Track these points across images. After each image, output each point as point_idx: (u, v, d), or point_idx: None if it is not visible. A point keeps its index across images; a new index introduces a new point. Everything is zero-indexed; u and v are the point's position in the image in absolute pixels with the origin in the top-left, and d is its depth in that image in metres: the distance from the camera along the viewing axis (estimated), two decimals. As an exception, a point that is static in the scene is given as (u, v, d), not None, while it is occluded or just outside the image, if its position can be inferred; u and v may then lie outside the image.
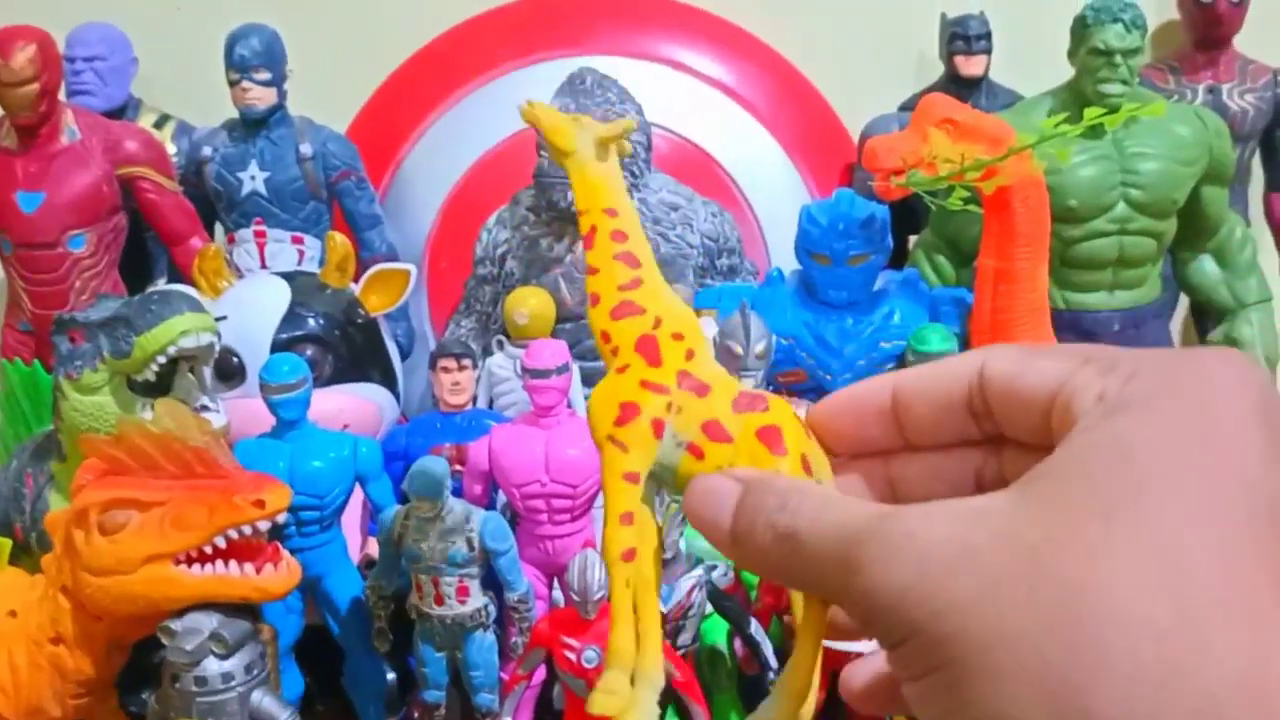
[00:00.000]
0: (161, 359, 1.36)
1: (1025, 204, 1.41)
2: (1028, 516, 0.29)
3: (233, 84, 1.82)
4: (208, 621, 1.24)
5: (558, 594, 1.59)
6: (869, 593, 0.31)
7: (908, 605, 0.30)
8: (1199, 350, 0.33)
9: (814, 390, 1.55)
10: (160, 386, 1.41)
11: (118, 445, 1.25)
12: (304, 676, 1.53)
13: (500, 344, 1.71)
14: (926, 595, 0.30)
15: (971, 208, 1.37)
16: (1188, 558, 0.27)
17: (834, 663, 1.33)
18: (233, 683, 1.24)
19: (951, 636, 0.29)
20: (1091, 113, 1.31)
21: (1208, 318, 1.92)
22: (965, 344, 1.51)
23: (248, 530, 1.22)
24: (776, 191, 1.95)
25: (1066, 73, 1.71)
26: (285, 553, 1.28)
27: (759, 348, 1.44)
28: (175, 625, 1.23)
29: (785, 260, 1.69)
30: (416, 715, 1.62)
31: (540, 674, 1.40)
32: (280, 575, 1.26)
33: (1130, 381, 0.31)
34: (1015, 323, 1.47)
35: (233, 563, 1.24)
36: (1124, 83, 1.59)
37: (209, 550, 1.22)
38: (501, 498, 1.54)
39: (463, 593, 1.37)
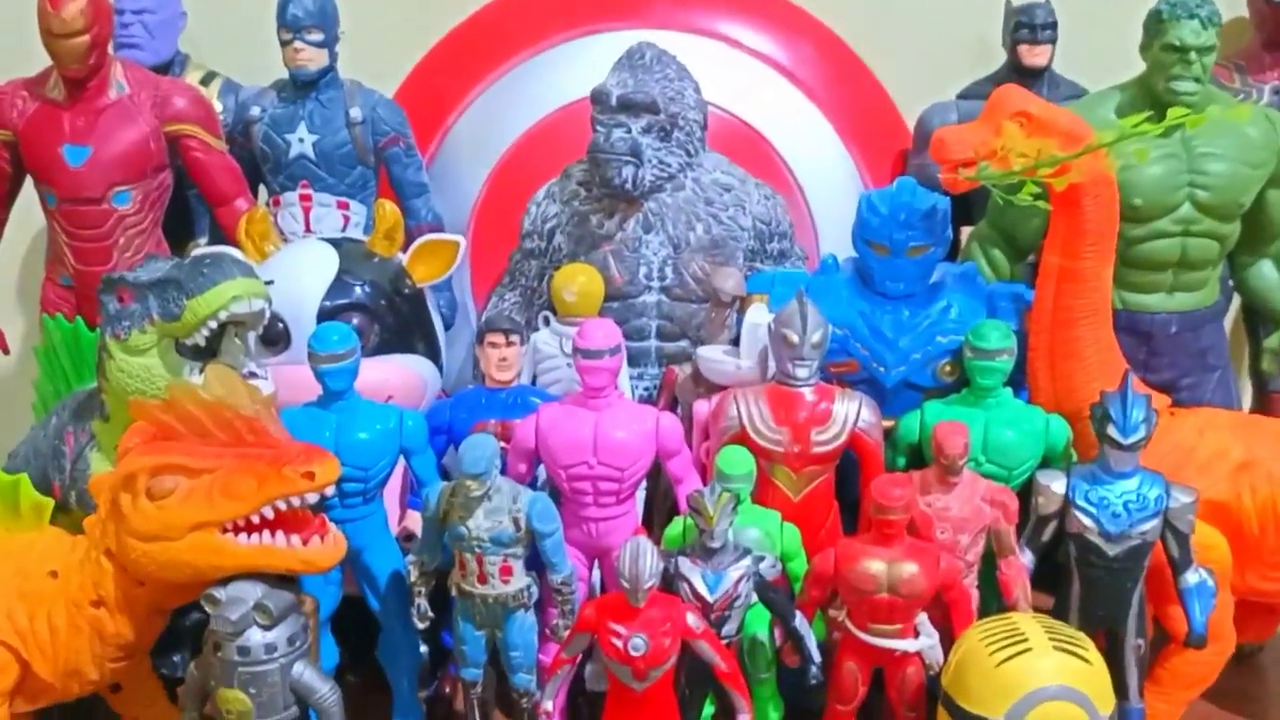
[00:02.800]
0: (212, 324, 1.34)
1: (1096, 202, 1.38)
2: None
3: (284, 44, 1.79)
4: (252, 591, 1.23)
5: (597, 577, 1.58)
6: None
7: None
8: None
9: (866, 381, 1.52)
10: (208, 350, 1.39)
11: (168, 410, 1.24)
12: (338, 647, 1.52)
13: (546, 320, 1.68)
14: None
15: (1041, 204, 1.34)
16: None
17: (877, 660, 1.33)
18: (275, 654, 1.23)
19: None
20: (1176, 112, 1.27)
21: (1262, 321, 1.88)
22: (1024, 341, 1.48)
23: (296, 502, 1.22)
24: (829, 177, 1.91)
25: (1131, 66, 1.67)
26: (332, 526, 1.27)
27: (815, 337, 1.41)
28: (220, 594, 1.22)
29: (835, 247, 1.67)
30: (447, 690, 1.61)
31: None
32: (326, 548, 1.25)
33: None
34: (1076, 322, 1.44)
35: (280, 534, 1.23)
36: (1196, 80, 1.55)
37: (256, 520, 1.22)
38: (541, 475, 1.53)
39: (506, 572, 1.36)
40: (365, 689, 1.60)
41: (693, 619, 1.26)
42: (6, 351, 1.89)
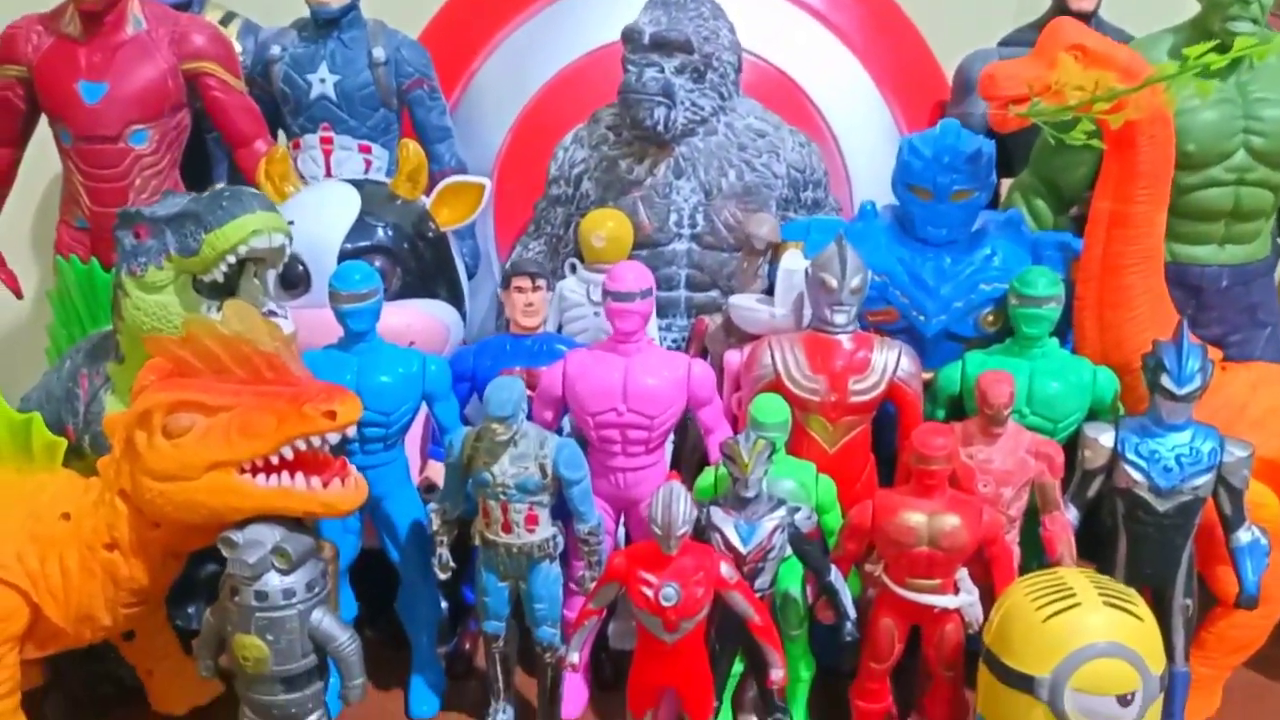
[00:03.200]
0: (231, 259, 1.30)
1: (1152, 142, 1.32)
2: None
3: (306, -20, 1.74)
4: (270, 534, 1.19)
5: (622, 535, 1.54)
6: None
7: None
8: None
9: (904, 331, 1.47)
10: (226, 289, 1.35)
11: (184, 346, 1.19)
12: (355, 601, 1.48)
13: (573, 267, 1.63)
14: None
15: (1095, 142, 1.28)
16: None
17: (914, 617, 1.28)
18: (294, 599, 1.20)
19: None
20: (1244, 42, 1.21)
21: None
22: (1070, 291, 1.42)
23: (317, 442, 1.17)
24: (865, 126, 1.86)
25: (1179, 12, 1.61)
26: (353, 469, 1.23)
27: (854, 282, 1.36)
28: (237, 536, 1.18)
29: (870, 199, 1.61)
30: (467, 647, 1.57)
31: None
32: (348, 491, 1.21)
33: None
34: (1127, 269, 1.38)
35: (299, 475, 1.19)
36: (1254, 22, 1.49)
37: (275, 461, 1.17)
38: (566, 427, 1.48)
39: (531, 521, 1.31)
40: (383, 645, 1.56)
41: (726, 569, 1.21)
42: (20, 295, 1.84)
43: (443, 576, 1.38)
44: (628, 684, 1.27)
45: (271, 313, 1.33)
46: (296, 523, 1.22)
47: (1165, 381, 1.27)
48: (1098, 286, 1.40)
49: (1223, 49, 1.27)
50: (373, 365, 1.37)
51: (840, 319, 1.37)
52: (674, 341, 1.66)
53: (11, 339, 2.17)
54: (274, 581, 1.18)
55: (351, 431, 1.18)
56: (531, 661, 1.43)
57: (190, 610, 1.56)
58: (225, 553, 1.18)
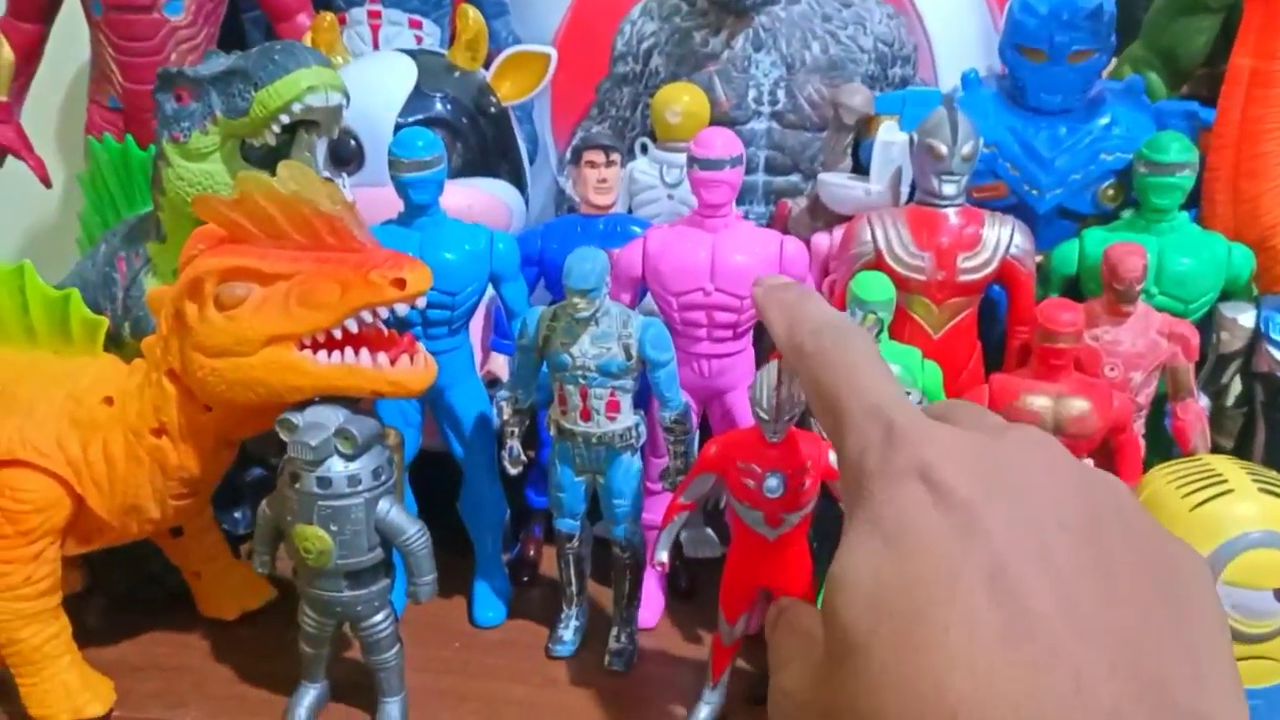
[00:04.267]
0: (284, 118, 1.18)
1: (1305, -20, 1.19)
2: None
3: None
4: (333, 416, 1.08)
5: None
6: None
7: None
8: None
9: (1014, 208, 1.34)
10: (276, 155, 1.23)
11: (237, 207, 1.07)
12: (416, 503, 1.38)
13: (644, 148, 1.51)
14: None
15: None
16: None
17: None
18: (359, 487, 1.09)
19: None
20: None
21: None
22: (1203, 160, 1.29)
23: (384, 313, 1.06)
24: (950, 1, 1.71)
25: None
26: (421, 346, 1.12)
27: (966, 148, 1.24)
28: (297, 419, 1.07)
29: (955, 83, 1.47)
30: (531, 553, 1.47)
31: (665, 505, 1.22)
32: (418, 369, 1.10)
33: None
34: (1267, 135, 1.26)
35: (364, 351, 1.07)
36: None
37: (338, 335, 1.06)
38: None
39: (613, 408, 1.20)
40: (444, 551, 1.46)
41: (836, 458, 1.09)
42: (49, 184, 1.73)
43: (513, 471, 1.27)
44: (721, 586, 1.16)
45: (329, 177, 1.22)
46: (359, 403, 1.11)
47: (1317, 252, 1.15)
48: (1233, 154, 1.27)
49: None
50: (436, 241, 1.25)
51: (950, 189, 1.25)
52: (752, 229, 1.54)
53: (40, 229, 2.07)
54: (338, 467, 1.08)
55: (421, 303, 1.07)
56: (603, 568, 1.33)
57: (237, 515, 1.47)
58: (284, 436, 1.07)
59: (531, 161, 1.67)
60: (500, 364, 1.45)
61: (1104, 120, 1.35)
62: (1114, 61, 1.59)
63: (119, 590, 1.35)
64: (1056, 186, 1.34)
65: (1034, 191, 1.35)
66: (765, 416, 1.04)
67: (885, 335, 1.22)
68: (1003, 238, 1.26)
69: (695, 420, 1.35)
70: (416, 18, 1.59)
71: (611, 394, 1.19)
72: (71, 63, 1.93)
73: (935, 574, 0.47)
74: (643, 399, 1.24)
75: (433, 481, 1.41)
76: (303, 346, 1.06)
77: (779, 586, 1.11)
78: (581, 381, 1.18)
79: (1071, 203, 1.35)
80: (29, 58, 1.66)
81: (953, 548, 0.47)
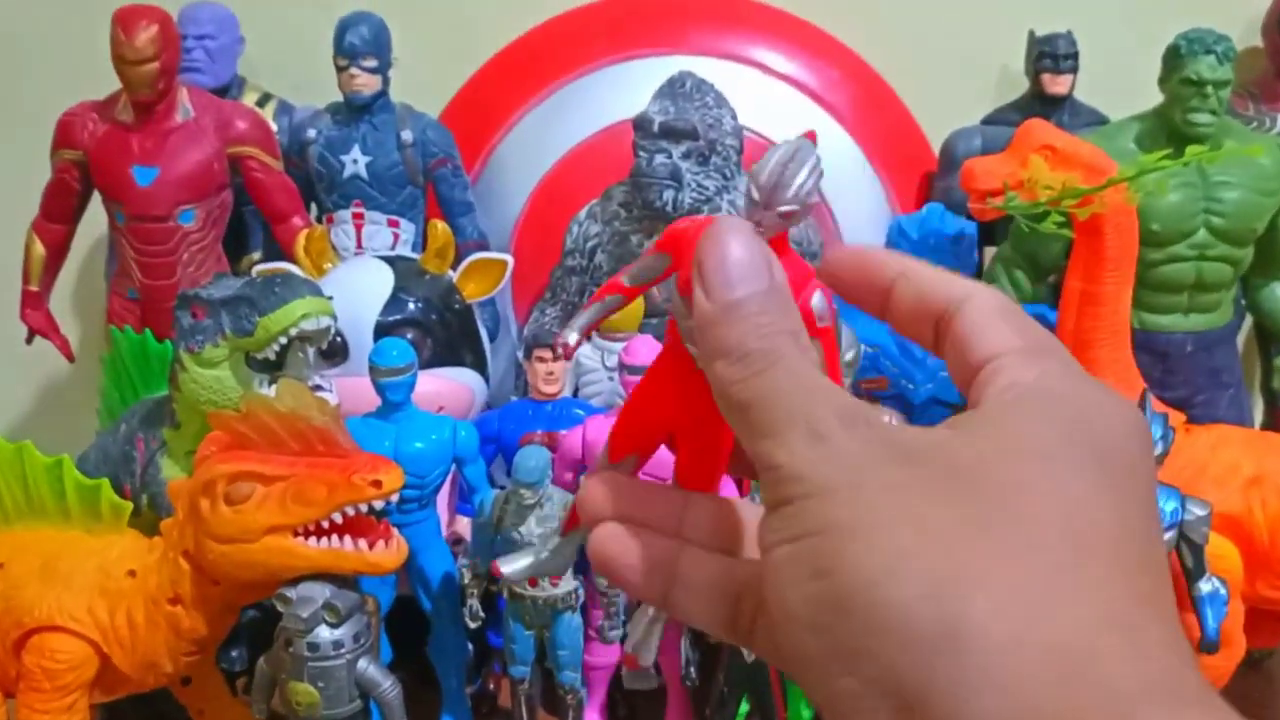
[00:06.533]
0: (283, 339, 1.43)
1: (1117, 230, 1.46)
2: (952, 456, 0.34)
3: (340, 69, 1.87)
4: (321, 591, 1.31)
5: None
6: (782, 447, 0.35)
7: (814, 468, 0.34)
8: (1110, 396, 0.37)
9: (894, 397, 1.60)
10: (276, 363, 1.48)
11: (244, 421, 1.32)
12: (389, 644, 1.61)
13: (589, 336, 1.76)
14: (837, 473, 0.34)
15: (1065, 232, 1.42)
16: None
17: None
18: (342, 650, 1.32)
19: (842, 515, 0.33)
20: (1194, 150, 1.35)
21: (1273, 341, 1.96)
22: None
23: (364, 508, 1.30)
24: (857, 198, 1.99)
25: (1151, 94, 1.75)
26: (395, 531, 1.35)
27: (848, 356, 1.49)
28: (291, 593, 1.30)
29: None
30: (492, 686, 1.70)
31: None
32: (391, 552, 1.33)
33: (1040, 378, 0.36)
34: (1097, 343, 1.51)
35: (347, 538, 1.31)
36: (1213, 113, 1.63)
37: (326, 525, 1.30)
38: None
39: (556, 576, 1.44)
40: (413, 683, 1.68)
41: (820, 302, 0.65)
42: (71, 359, 1.97)
43: (473, 626, 1.51)
44: (619, 416, 0.96)
45: (318, 387, 1.46)
46: (342, 579, 1.34)
47: (1129, 449, 1.39)
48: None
49: (1179, 146, 1.40)
50: (409, 432, 1.50)
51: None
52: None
53: (59, 392, 2.30)
54: (325, 634, 1.31)
55: (395, 498, 1.31)
56: (554, 704, 1.55)
57: (233, 654, 1.68)
58: (280, 608, 1.31)
59: (493, 339, 1.93)
60: (464, 525, 1.68)
61: (968, 324, 1.61)
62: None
63: (133, 728, 1.57)
64: (929, 381, 1.60)
65: (910, 385, 1.61)
66: (755, 196, 0.85)
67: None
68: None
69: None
70: (394, 218, 1.84)
71: (554, 564, 1.43)
72: (88, 246, 2.18)
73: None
74: (582, 565, 1.48)
75: (405, 623, 1.64)
76: (296, 534, 1.30)
77: (689, 428, 0.91)
78: (529, 554, 1.42)
79: (943, 394, 1.61)
80: (57, 254, 1.91)
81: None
